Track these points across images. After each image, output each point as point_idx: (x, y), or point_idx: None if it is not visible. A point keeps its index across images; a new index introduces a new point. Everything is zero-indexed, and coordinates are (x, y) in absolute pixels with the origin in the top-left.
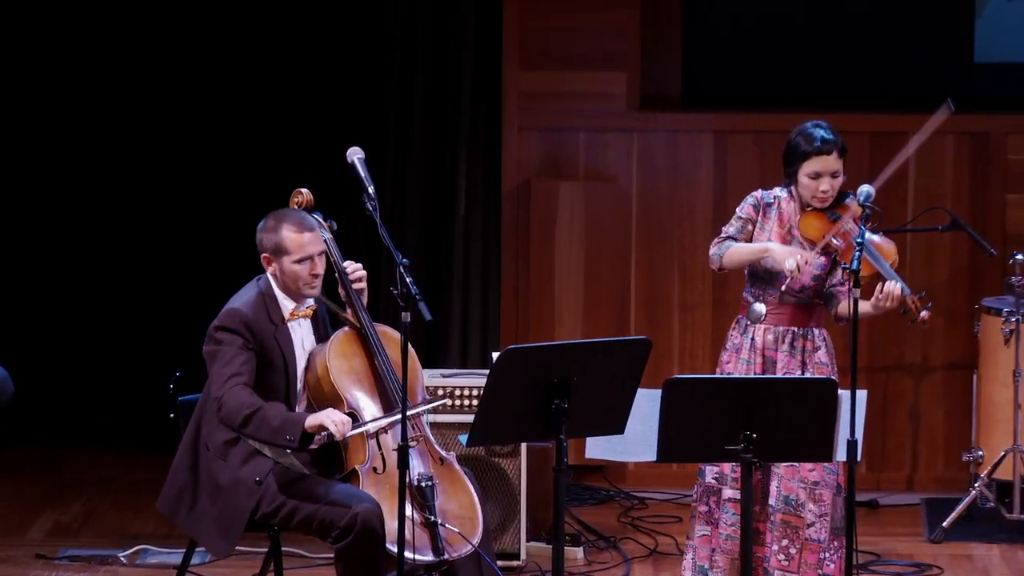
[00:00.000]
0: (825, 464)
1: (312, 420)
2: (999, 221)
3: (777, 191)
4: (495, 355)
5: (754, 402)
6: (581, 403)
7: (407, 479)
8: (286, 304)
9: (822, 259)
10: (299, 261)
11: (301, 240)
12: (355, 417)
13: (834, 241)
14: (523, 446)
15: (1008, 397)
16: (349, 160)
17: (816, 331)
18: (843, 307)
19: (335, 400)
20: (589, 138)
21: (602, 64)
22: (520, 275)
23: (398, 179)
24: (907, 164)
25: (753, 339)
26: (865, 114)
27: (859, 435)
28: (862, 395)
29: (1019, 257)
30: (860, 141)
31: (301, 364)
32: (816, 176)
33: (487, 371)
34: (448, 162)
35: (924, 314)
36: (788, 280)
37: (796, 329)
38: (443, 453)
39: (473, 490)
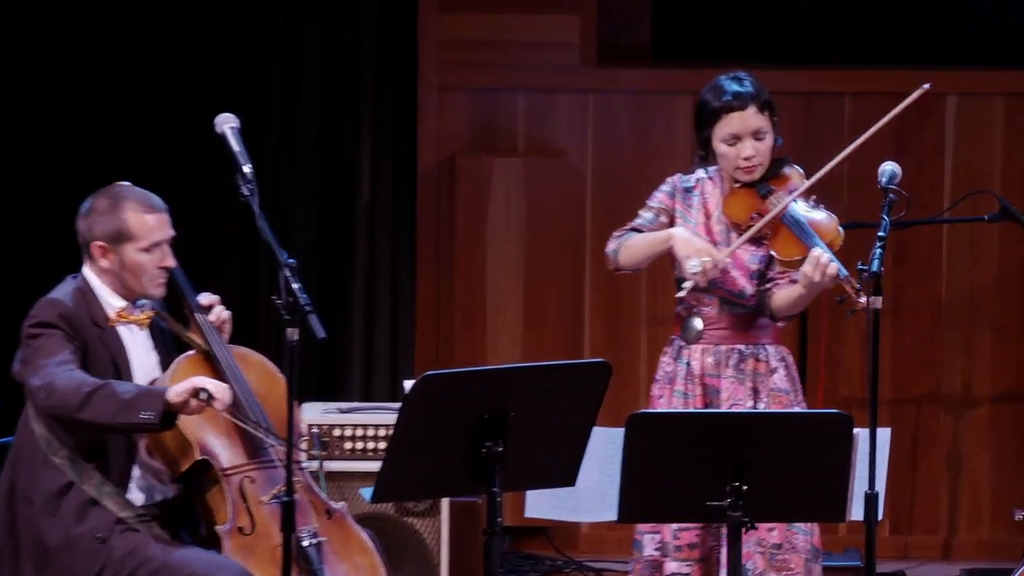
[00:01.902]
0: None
1: (180, 387)
2: None
3: (700, 173)
4: (408, 384)
5: (745, 444)
6: (520, 446)
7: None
8: (111, 302)
9: (760, 250)
10: (147, 249)
11: (149, 223)
12: (210, 466)
13: (759, 220)
14: (444, 502)
15: None
16: (218, 130)
17: (770, 348)
18: (777, 299)
19: (181, 447)
20: (531, 101)
21: (549, 5)
22: (441, 280)
23: (283, 155)
24: (942, 134)
25: (689, 365)
26: (882, 68)
27: (881, 487)
28: (884, 435)
29: None
30: (884, 105)
31: (141, 378)
32: (734, 140)
33: (398, 405)
34: (347, 133)
35: (863, 300)
36: (688, 286)
37: (743, 347)
38: (331, 504)
39: (373, 548)
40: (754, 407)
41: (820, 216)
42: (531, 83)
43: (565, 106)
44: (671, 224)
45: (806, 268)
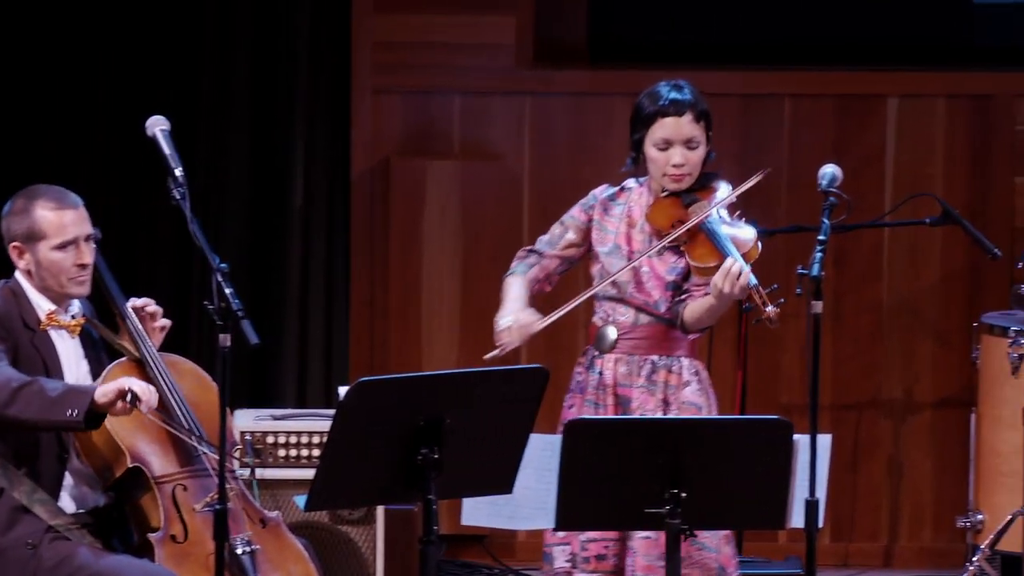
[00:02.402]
0: (698, 536)
1: (107, 387)
2: (1005, 212)
3: (628, 182)
4: (343, 391)
5: (684, 451)
6: (457, 453)
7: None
8: (42, 304)
9: (678, 261)
10: (60, 247)
11: (61, 220)
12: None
13: (679, 227)
14: (380, 510)
15: (1016, 444)
16: (149, 133)
17: (684, 361)
18: (689, 311)
19: (113, 454)
20: (466, 103)
21: (484, 6)
22: (376, 285)
23: (215, 158)
24: (884, 136)
25: (602, 374)
26: (821, 70)
27: (821, 494)
28: (825, 441)
29: None
30: (824, 107)
31: (72, 380)
32: (666, 145)
33: (332, 412)
34: (280, 136)
35: (771, 309)
36: (496, 351)
37: (656, 358)
38: (265, 513)
39: (307, 557)
40: None
41: (740, 228)
42: (466, 85)
43: (501, 108)
44: (583, 239)
45: (716, 278)
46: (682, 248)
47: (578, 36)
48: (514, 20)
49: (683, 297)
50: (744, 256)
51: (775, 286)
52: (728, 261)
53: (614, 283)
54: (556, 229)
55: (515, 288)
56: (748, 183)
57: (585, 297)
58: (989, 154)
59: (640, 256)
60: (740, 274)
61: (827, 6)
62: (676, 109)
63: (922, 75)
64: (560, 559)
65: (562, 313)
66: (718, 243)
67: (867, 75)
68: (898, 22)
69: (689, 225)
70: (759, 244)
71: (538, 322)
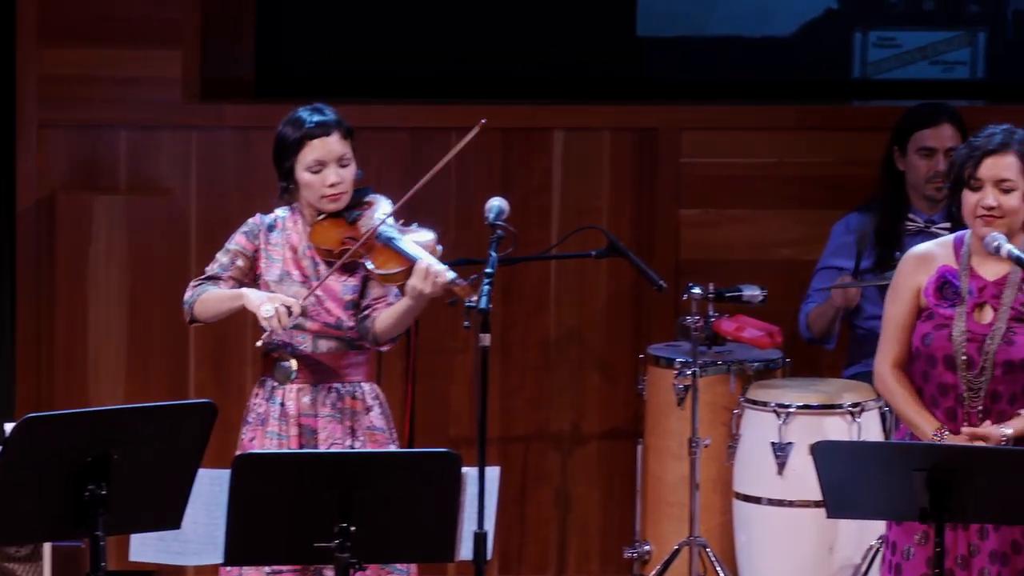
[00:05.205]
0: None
1: None
2: (670, 244)
3: (279, 211)
4: (8, 427)
5: (353, 484)
6: (125, 489)
7: None
8: None
9: (352, 279)
10: None
11: None
12: None
13: (352, 244)
14: (47, 547)
15: (682, 474)
16: None
17: (366, 387)
18: (381, 321)
19: None
20: (134, 138)
21: (151, 40)
22: (42, 320)
23: None
24: (550, 169)
25: (284, 405)
26: (500, 104)
27: (490, 526)
28: (493, 473)
29: (696, 291)
30: (490, 140)
31: None
32: (319, 167)
33: None
34: None
35: (475, 298)
36: (265, 335)
37: (340, 386)
38: None
39: None
40: (351, 446)
41: (416, 232)
42: (133, 119)
43: (168, 142)
44: (250, 268)
45: (414, 281)
46: (362, 262)
47: (245, 71)
48: (181, 54)
49: (366, 313)
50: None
51: (474, 277)
52: (420, 262)
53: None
54: (223, 258)
55: (224, 292)
56: (412, 190)
57: (321, 283)
58: (655, 187)
59: (324, 278)
60: (437, 272)
61: (493, 39)
62: (323, 130)
63: (588, 108)
64: None
65: (315, 289)
66: (400, 249)
67: (533, 108)
68: (565, 55)
69: (365, 239)
70: (439, 247)
71: (297, 304)
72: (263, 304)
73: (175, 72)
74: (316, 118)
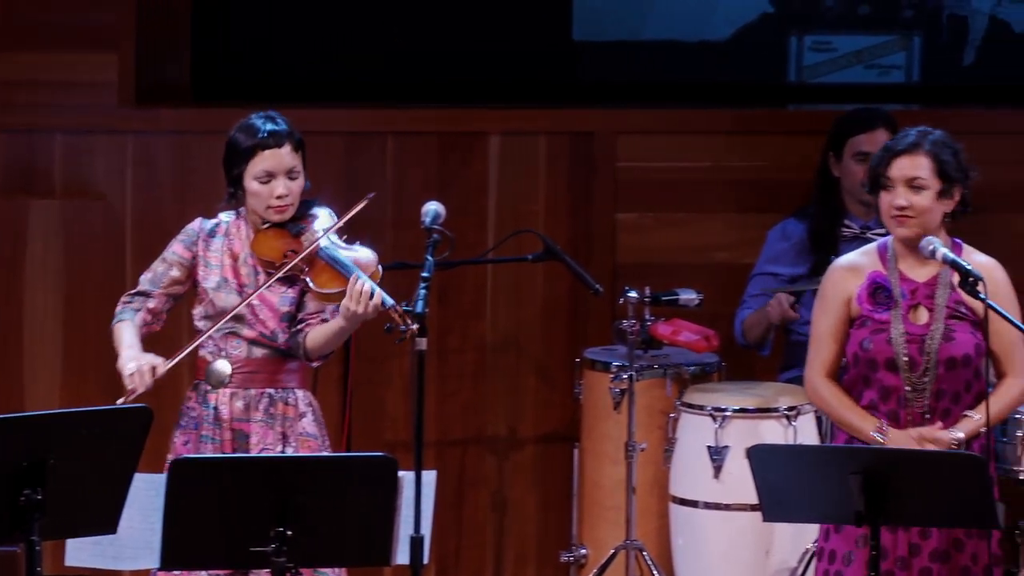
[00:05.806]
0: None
1: None
2: (607, 248)
3: (222, 216)
4: None
5: (290, 488)
6: (61, 493)
7: None
8: None
9: (290, 291)
10: None
11: None
12: None
13: (294, 258)
14: None
15: (619, 478)
16: None
17: (299, 393)
18: (312, 338)
19: None
20: (68, 142)
21: (85, 44)
22: None
23: None
24: (486, 173)
25: (217, 409)
26: (425, 108)
27: (426, 530)
28: (430, 477)
29: (632, 295)
30: (427, 144)
31: None
32: (268, 178)
33: None
34: None
35: (413, 326)
36: (128, 396)
37: (273, 391)
38: None
39: None
40: (283, 451)
41: (358, 251)
42: (68, 124)
43: (103, 147)
44: (187, 276)
45: (347, 301)
46: (302, 276)
47: (182, 75)
48: (116, 58)
49: (300, 327)
50: (369, 277)
51: (407, 307)
52: (356, 283)
53: (223, 308)
54: (159, 267)
55: (127, 334)
56: (356, 208)
57: (207, 336)
58: (591, 190)
59: (260, 288)
60: (372, 294)
61: (430, 42)
62: (276, 141)
63: (524, 112)
64: None
65: (186, 353)
66: (340, 267)
67: (469, 112)
68: (501, 58)
69: (305, 253)
70: (380, 267)
71: (163, 364)
72: (127, 363)
73: (111, 76)
74: (269, 127)
